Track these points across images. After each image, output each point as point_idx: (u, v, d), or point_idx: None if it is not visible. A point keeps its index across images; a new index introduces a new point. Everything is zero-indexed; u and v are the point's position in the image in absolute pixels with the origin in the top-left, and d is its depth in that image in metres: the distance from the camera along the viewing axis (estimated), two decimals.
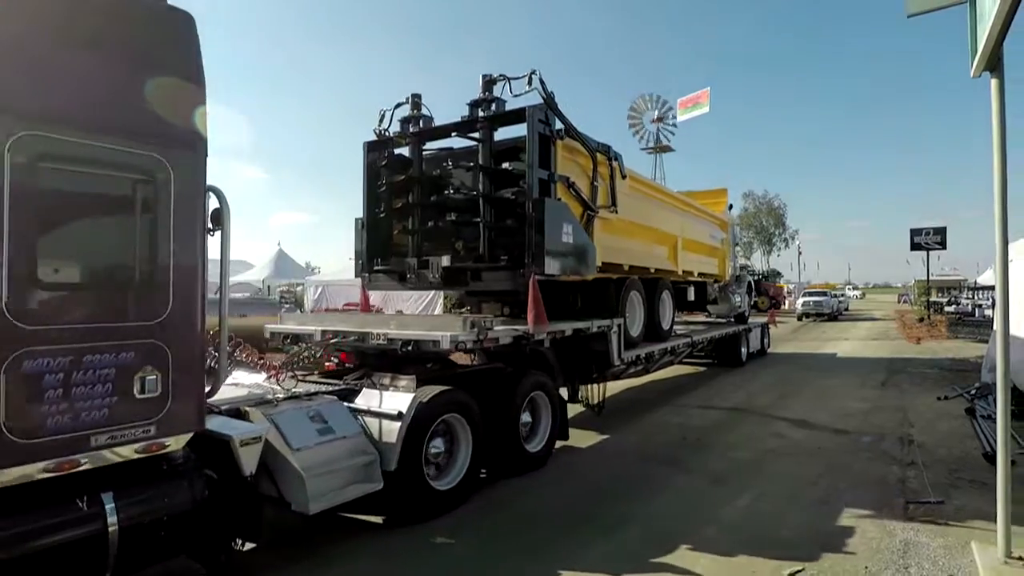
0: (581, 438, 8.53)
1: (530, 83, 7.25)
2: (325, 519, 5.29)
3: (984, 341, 19.40)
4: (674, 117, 62.95)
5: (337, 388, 6.01)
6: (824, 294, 42.87)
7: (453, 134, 7.88)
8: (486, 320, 6.37)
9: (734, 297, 15.96)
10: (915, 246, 39.44)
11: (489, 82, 7.56)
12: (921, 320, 34.37)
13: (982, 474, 6.67)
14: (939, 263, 59.14)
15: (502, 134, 7.68)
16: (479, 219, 7.38)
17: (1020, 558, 4.46)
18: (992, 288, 34.56)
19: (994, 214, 4.61)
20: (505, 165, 7.64)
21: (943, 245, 39.04)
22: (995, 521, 4.57)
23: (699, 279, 13.59)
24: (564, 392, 8.44)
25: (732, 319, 16.78)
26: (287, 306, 29.26)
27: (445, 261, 7.40)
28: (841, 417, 9.97)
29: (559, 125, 7.66)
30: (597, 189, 8.32)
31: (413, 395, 5.61)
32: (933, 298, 44.54)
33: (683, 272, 11.61)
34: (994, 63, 4.39)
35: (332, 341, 6.73)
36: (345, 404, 5.71)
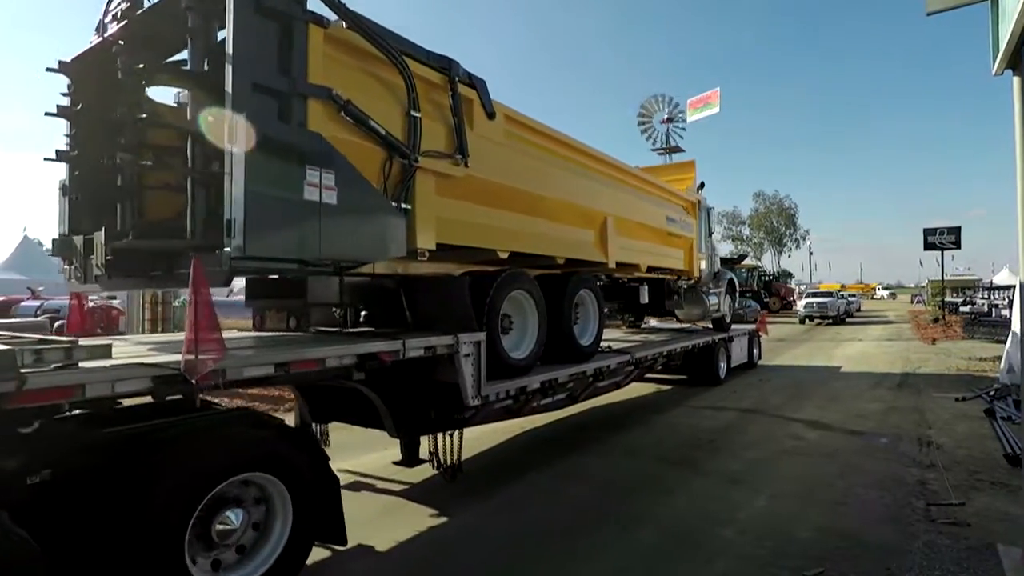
0: (398, 525, 5.00)
1: None
2: None
3: (1001, 341, 17.77)
4: (684, 118, 59.19)
5: None
6: (829, 295, 37.32)
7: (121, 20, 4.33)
8: (37, 349, 2.82)
9: (709, 298, 11.92)
10: (928, 246, 37.13)
11: None
12: (936, 320, 31.98)
13: (1004, 475, 6.25)
14: (952, 263, 55.47)
15: None
16: (187, 166, 3.93)
17: None
18: (1008, 288, 31.82)
19: (1017, 213, 4.09)
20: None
21: (957, 245, 36.77)
22: (1019, 523, 4.64)
23: (652, 275, 9.89)
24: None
25: (710, 325, 12.89)
26: None
27: (104, 238, 3.92)
28: (856, 418, 9.14)
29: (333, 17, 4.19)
30: (417, 124, 4.74)
31: None
32: (948, 298, 40.87)
33: (617, 265, 7.90)
34: (1016, 61, 4.04)
35: None
36: None
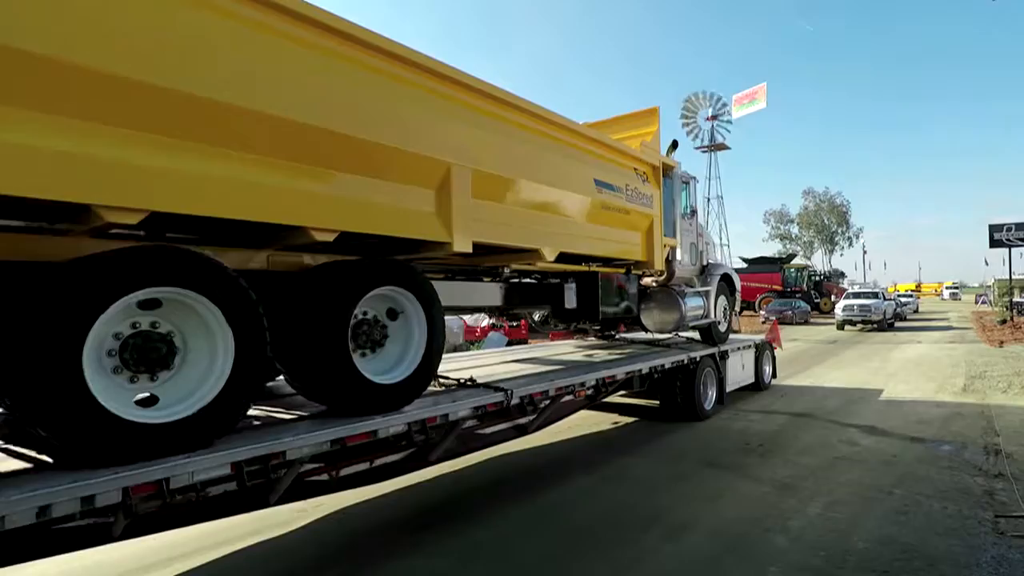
0: None
1: None
2: None
3: None
4: (729, 114, 54.40)
5: None
6: (874, 295, 31.05)
7: None
8: None
9: (686, 300, 8.28)
10: (995, 243, 32.68)
11: None
12: (1003, 322, 27.90)
13: None
14: (1021, 260, 49.33)
15: None
16: None
17: None
18: None
19: None
20: None
21: None
22: None
23: (576, 268, 6.66)
24: None
25: (696, 337, 9.30)
26: None
27: None
28: (916, 424, 8.00)
29: None
30: None
31: None
32: (1016, 298, 35.55)
33: (478, 248, 4.72)
34: None
35: None
36: None
